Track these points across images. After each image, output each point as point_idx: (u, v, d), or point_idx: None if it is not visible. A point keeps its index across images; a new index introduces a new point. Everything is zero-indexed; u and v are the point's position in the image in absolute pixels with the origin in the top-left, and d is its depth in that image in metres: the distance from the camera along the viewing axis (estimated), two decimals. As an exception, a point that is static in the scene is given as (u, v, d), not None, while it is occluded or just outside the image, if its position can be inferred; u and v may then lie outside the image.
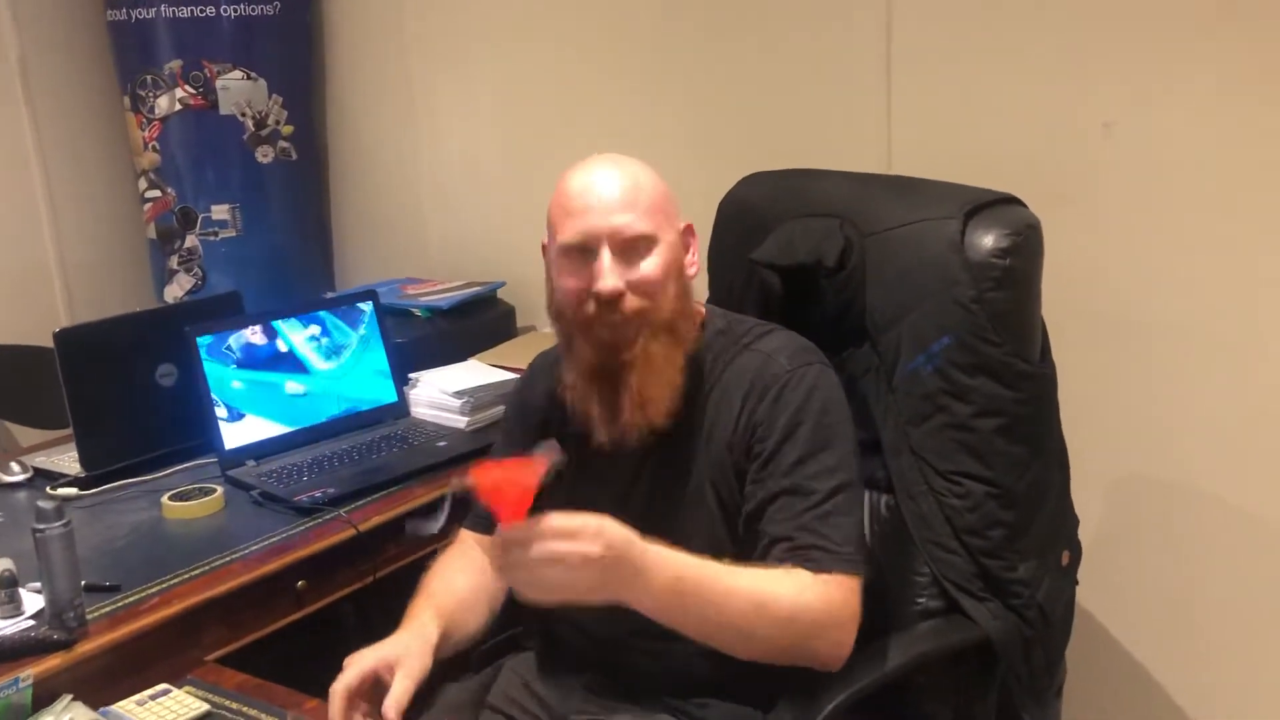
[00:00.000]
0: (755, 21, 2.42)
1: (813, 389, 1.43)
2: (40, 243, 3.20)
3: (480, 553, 1.58)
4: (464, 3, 2.91)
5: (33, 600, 1.59)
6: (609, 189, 1.43)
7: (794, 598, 1.31)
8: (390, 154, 3.17)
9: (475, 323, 2.75)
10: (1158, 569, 2.10)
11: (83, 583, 1.55)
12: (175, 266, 3.09)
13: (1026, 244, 1.52)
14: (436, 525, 1.31)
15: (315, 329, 2.24)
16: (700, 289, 1.67)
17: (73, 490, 2.03)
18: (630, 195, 1.42)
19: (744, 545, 1.41)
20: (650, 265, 1.42)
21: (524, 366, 2.43)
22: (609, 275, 1.40)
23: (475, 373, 2.40)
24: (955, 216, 1.52)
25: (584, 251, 1.43)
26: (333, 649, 1.39)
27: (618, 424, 1.44)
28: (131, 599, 1.62)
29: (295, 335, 2.21)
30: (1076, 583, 1.65)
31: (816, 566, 1.34)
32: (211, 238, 3.06)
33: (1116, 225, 2.01)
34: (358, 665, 1.34)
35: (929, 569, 1.54)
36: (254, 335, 2.16)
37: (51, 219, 3.20)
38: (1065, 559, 1.60)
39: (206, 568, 1.71)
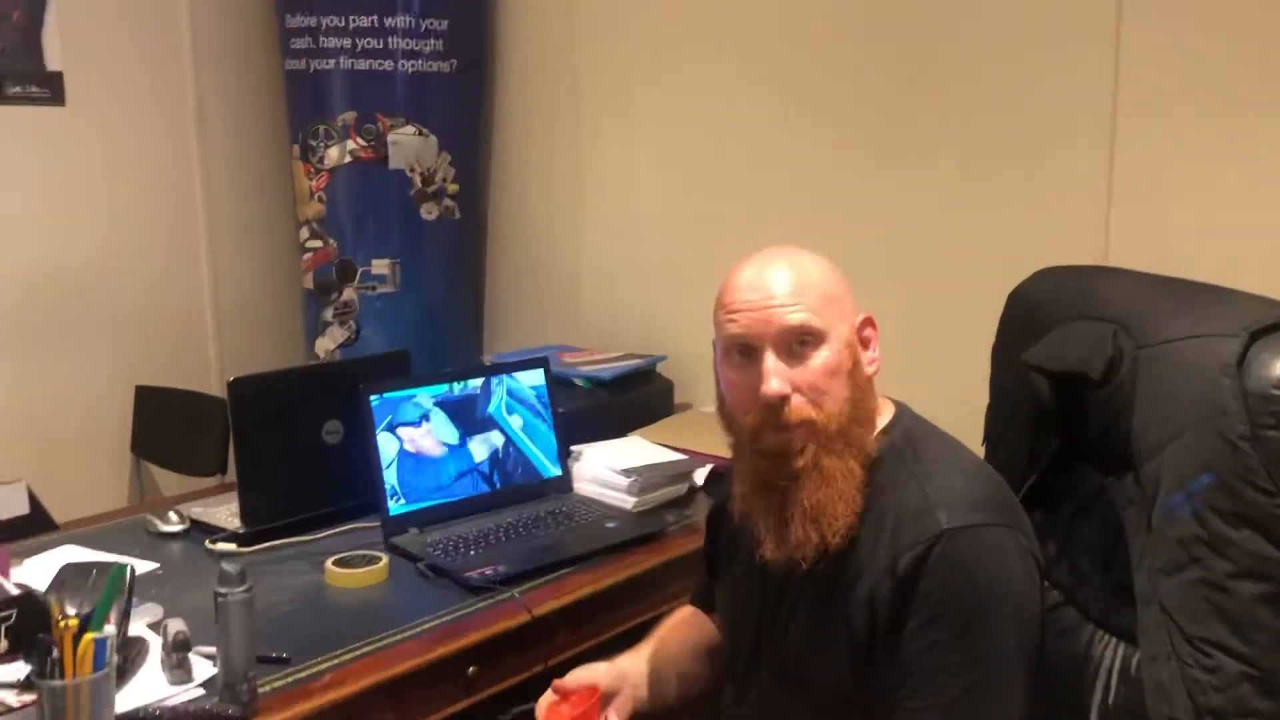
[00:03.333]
0: (964, 90, 2.32)
1: (968, 561, 1.24)
2: (197, 285, 3.22)
3: (700, 621, 1.63)
4: (637, 72, 2.87)
5: (200, 666, 1.51)
6: (773, 282, 1.31)
7: None
8: (551, 218, 3.13)
9: (634, 396, 2.66)
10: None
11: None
12: (329, 319, 3.07)
13: (1327, 376, 1.31)
14: None
15: (485, 394, 2.16)
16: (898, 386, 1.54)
17: (231, 546, 1.96)
18: (795, 287, 1.30)
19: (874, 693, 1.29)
20: (819, 363, 1.30)
21: (689, 446, 2.36)
22: (773, 377, 1.29)
23: (642, 451, 2.29)
24: (1237, 335, 1.32)
25: (746, 352, 1.32)
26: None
27: (788, 542, 1.32)
28: (302, 674, 1.52)
29: (465, 399, 2.13)
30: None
31: None
32: (369, 292, 3.03)
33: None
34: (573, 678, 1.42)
35: None
36: (424, 398, 2.08)
37: (210, 262, 3.22)
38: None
39: (375, 645, 1.61)
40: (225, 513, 2.10)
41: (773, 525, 1.33)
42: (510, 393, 2.18)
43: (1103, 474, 1.51)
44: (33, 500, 1.27)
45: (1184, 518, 1.33)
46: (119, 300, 3.06)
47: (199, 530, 2.06)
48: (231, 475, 2.70)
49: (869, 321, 1.38)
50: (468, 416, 2.13)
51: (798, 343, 1.30)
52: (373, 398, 2.01)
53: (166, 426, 2.97)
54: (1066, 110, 2.19)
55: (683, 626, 1.63)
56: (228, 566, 1.42)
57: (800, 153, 2.60)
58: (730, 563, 1.52)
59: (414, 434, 2.06)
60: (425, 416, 2.07)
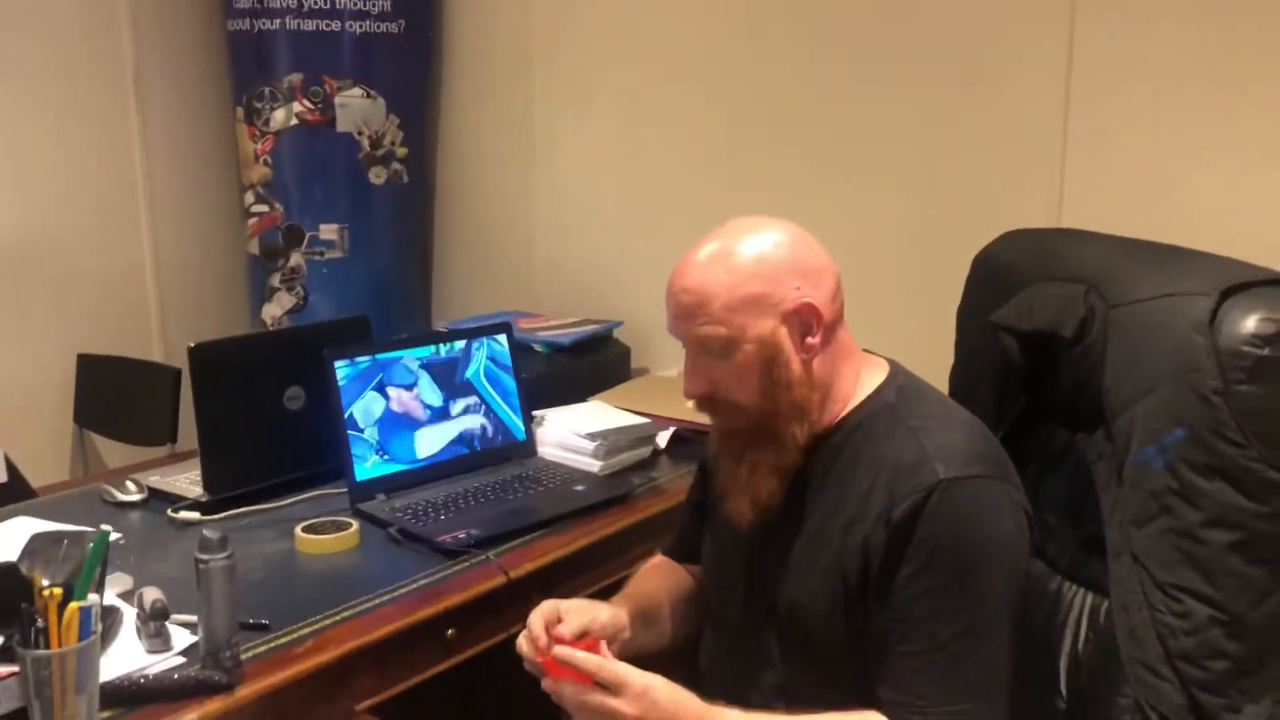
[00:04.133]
0: (920, 57, 2.34)
1: (964, 511, 1.28)
2: (138, 251, 3.14)
3: (675, 570, 1.65)
4: (591, 33, 2.85)
5: (178, 634, 1.49)
6: (689, 285, 1.35)
7: None
8: (503, 184, 3.10)
9: (592, 362, 2.66)
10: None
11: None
12: (277, 285, 3.02)
13: (1297, 333, 1.35)
14: None
15: (448, 359, 2.15)
16: (919, 347, 1.56)
17: (195, 515, 1.93)
18: (702, 296, 1.33)
19: (865, 636, 1.33)
20: (730, 365, 1.35)
21: (650, 410, 2.37)
22: (688, 379, 1.39)
23: (605, 415, 2.30)
24: (1208, 293, 1.36)
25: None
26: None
27: (732, 504, 1.42)
28: (283, 640, 1.51)
29: (428, 365, 2.12)
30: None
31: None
32: (317, 257, 2.99)
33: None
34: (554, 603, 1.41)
35: (1131, 692, 1.38)
36: (388, 363, 2.06)
37: (151, 226, 3.14)
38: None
39: (354, 610, 1.60)
40: (185, 481, 2.07)
41: (727, 485, 1.43)
42: (473, 357, 2.18)
43: (1072, 431, 1.55)
44: (10, 468, 1.23)
45: (1157, 470, 1.37)
46: (57, 266, 2.97)
47: (158, 499, 2.03)
48: (182, 444, 2.67)
49: (802, 310, 1.34)
50: (449, 379, 2.12)
51: (707, 350, 1.35)
52: (338, 363, 1.99)
53: (111, 396, 2.90)
54: (1021, 75, 2.22)
55: (660, 573, 1.66)
56: (209, 533, 1.39)
57: (756, 120, 2.61)
58: (718, 512, 1.53)
59: (400, 395, 2.05)
60: (387, 381, 2.05)
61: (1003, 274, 1.67)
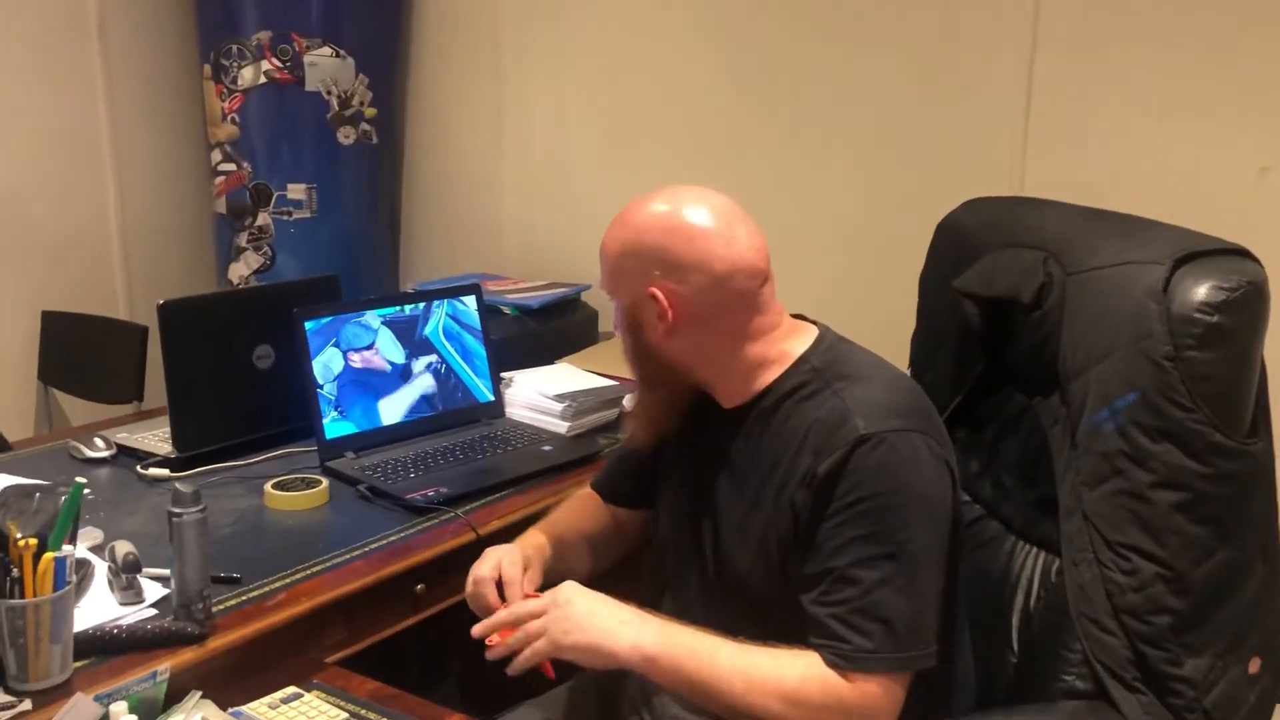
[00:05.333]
0: (887, 23, 2.35)
1: (884, 463, 1.31)
2: (103, 207, 3.12)
3: (600, 506, 1.71)
4: (563, -2, 2.85)
5: (150, 587, 1.51)
6: (605, 236, 1.45)
7: (797, 688, 1.30)
8: (471, 146, 3.10)
9: (560, 325, 2.68)
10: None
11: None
12: (244, 244, 3.01)
13: (1243, 301, 1.38)
14: None
15: (425, 317, 2.16)
16: (869, 313, 1.59)
17: (164, 472, 1.94)
18: (604, 248, 1.45)
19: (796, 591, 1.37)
20: (616, 317, 1.48)
21: (617, 373, 2.39)
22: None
23: (573, 377, 2.32)
24: (1162, 262, 1.40)
25: None
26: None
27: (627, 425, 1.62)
28: (254, 593, 1.53)
29: (395, 325, 2.13)
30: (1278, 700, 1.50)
31: (845, 666, 1.29)
32: (285, 217, 2.98)
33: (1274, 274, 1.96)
34: (490, 559, 1.50)
35: (1080, 646, 1.42)
36: (358, 323, 2.08)
37: (116, 183, 3.12)
38: (1255, 666, 1.43)
39: (324, 565, 1.63)
40: (154, 438, 2.08)
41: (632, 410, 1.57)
42: (449, 316, 2.19)
43: (1028, 395, 1.59)
44: (-15, 420, 1.24)
45: (1108, 433, 1.42)
46: (19, 222, 2.94)
47: (126, 456, 2.04)
48: (149, 403, 2.67)
49: (653, 297, 1.39)
50: (410, 338, 2.14)
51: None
52: (307, 323, 2.00)
53: (76, 353, 2.89)
54: (986, 43, 2.25)
55: (585, 508, 1.72)
56: (182, 487, 1.41)
57: (724, 83, 2.62)
58: (666, 480, 1.57)
59: (362, 354, 2.06)
60: (356, 341, 2.07)
61: (965, 240, 1.70)
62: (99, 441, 2.05)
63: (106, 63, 3.04)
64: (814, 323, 1.50)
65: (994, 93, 2.24)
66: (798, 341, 1.45)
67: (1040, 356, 1.52)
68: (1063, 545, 1.48)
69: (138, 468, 1.96)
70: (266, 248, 3.00)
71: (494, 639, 1.40)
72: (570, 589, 1.37)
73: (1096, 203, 1.65)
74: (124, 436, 2.10)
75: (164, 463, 1.97)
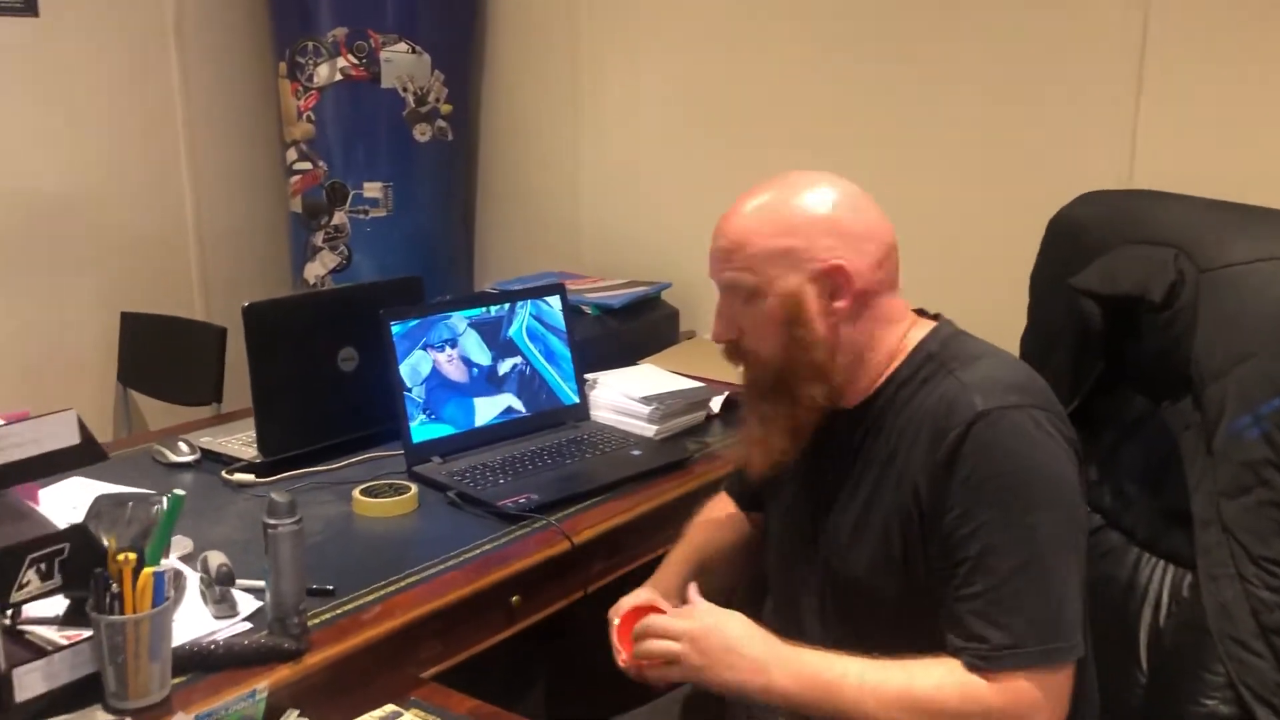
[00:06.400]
0: (992, 12, 2.27)
1: (1002, 439, 1.23)
2: (180, 208, 3.12)
3: (737, 515, 1.66)
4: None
5: (243, 599, 1.47)
6: (727, 230, 1.35)
7: (932, 697, 1.22)
8: (548, 143, 3.05)
9: (641, 324, 2.63)
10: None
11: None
12: (320, 244, 2.99)
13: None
14: None
15: (510, 318, 2.11)
16: (966, 305, 1.52)
17: (250, 477, 1.91)
18: (737, 241, 1.33)
19: (927, 592, 1.29)
20: (757, 312, 1.34)
21: (701, 374, 2.33)
22: (717, 322, 1.38)
23: (658, 378, 2.26)
24: None
25: None
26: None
27: (740, 451, 1.46)
28: (350, 606, 1.49)
29: (481, 326, 2.08)
30: None
31: (985, 666, 1.21)
32: (361, 216, 2.95)
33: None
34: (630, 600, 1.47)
35: (1223, 668, 1.34)
36: (444, 324, 2.03)
37: (193, 183, 3.11)
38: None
39: (420, 576, 1.58)
40: (237, 442, 2.05)
41: (743, 433, 1.43)
42: (533, 318, 2.14)
43: (1153, 398, 1.51)
44: (83, 430, 1.20)
45: (1252, 440, 1.34)
46: (98, 223, 2.95)
47: (210, 461, 2.01)
48: (228, 404, 2.65)
49: (832, 271, 1.31)
50: (495, 339, 2.09)
51: (737, 295, 1.34)
52: (394, 325, 1.96)
53: (156, 355, 2.88)
54: (1095, 31, 2.16)
55: (718, 526, 1.66)
56: (277, 497, 1.37)
57: (814, 77, 2.55)
58: (779, 483, 1.50)
59: (447, 355, 2.02)
60: (458, 338, 2.02)
61: (1080, 237, 1.62)
62: (183, 446, 2.03)
63: (183, 63, 3.03)
64: (933, 317, 1.43)
65: (1104, 81, 2.15)
66: (917, 331, 1.39)
67: (1169, 358, 1.44)
68: (1198, 557, 1.39)
69: (223, 473, 1.93)
70: (342, 247, 2.97)
71: (624, 656, 1.41)
72: (708, 619, 1.33)
73: (1211, 194, 1.56)
74: (207, 440, 2.07)
75: (249, 468, 1.94)
